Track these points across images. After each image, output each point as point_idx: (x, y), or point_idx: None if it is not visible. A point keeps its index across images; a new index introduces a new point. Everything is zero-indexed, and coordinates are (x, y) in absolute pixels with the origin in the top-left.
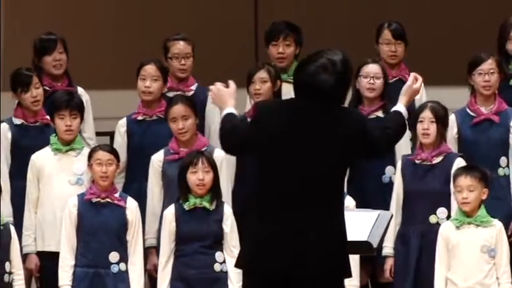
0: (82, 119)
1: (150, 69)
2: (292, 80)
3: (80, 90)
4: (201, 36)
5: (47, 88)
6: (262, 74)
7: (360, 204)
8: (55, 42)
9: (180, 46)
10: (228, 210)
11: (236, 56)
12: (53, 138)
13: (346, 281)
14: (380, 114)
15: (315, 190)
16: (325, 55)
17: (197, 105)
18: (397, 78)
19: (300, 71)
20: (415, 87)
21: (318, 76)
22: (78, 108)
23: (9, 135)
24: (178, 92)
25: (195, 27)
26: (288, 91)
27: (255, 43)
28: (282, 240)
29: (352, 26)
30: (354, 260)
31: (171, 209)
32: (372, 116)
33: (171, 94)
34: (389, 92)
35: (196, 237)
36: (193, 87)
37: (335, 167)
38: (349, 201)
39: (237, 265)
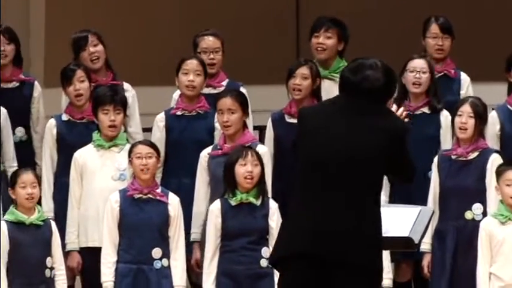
0: (125, 114)
1: (193, 63)
2: (332, 77)
3: (126, 85)
4: (242, 31)
5: (92, 83)
6: (304, 70)
7: (404, 200)
8: (86, 37)
9: (208, 41)
10: (273, 205)
11: (277, 51)
12: (95, 135)
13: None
14: (426, 110)
15: (350, 188)
16: (371, 58)
17: None
18: (442, 73)
19: (345, 68)
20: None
21: (363, 70)
22: (122, 104)
23: (55, 131)
24: (209, 88)
25: (236, 22)
26: (328, 87)
27: (296, 40)
28: (319, 227)
29: (396, 20)
30: (386, 253)
31: (216, 204)
32: (418, 112)
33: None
34: (438, 89)
35: (243, 233)
36: (224, 83)
37: (370, 167)
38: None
39: (270, 261)
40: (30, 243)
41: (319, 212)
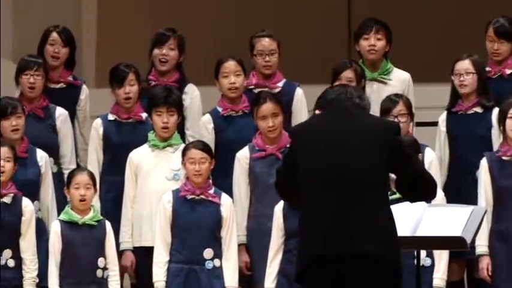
0: (179, 115)
1: (231, 65)
2: (382, 78)
3: (188, 87)
4: (295, 31)
5: (152, 82)
6: (349, 74)
7: (454, 199)
8: (167, 37)
9: (264, 43)
10: None
11: (330, 51)
12: (150, 135)
13: (434, 274)
14: (478, 109)
15: (355, 188)
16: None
17: (284, 102)
18: (499, 74)
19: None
20: None
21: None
22: (176, 105)
23: (101, 130)
24: (265, 89)
25: (289, 22)
26: (377, 89)
27: (347, 40)
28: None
29: (452, 21)
30: (444, 253)
31: (279, 205)
32: (470, 112)
33: (257, 91)
34: (488, 87)
35: (296, 234)
36: (281, 84)
37: (372, 165)
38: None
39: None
40: (82, 243)
41: (328, 216)
